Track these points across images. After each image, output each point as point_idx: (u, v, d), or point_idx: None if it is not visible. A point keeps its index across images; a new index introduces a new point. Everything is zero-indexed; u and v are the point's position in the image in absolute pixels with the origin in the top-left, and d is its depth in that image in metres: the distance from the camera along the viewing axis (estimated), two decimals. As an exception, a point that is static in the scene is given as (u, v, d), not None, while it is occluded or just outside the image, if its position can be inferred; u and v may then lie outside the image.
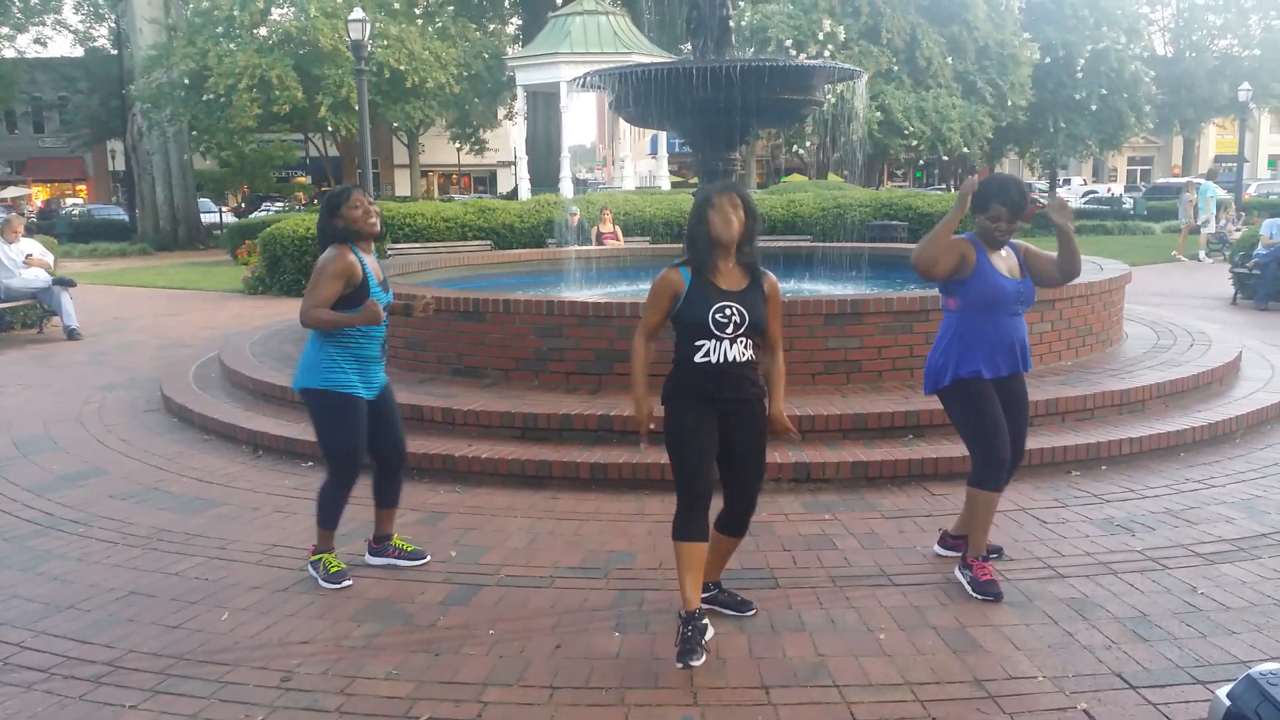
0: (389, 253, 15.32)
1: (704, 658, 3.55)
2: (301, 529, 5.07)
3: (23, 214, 19.78)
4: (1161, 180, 44.67)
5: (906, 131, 28.53)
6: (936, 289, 4.38)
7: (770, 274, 3.75)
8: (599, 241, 15.07)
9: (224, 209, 38.36)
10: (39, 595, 4.32)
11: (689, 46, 9.34)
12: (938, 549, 4.59)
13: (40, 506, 5.56)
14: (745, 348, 3.64)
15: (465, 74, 29.68)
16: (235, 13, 25.47)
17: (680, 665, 3.51)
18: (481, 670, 3.57)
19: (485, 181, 57.22)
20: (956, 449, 5.40)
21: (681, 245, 3.84)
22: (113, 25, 38.15)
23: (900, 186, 42.64)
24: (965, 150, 30.45)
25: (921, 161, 38.37)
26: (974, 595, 4.11)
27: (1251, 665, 2.04)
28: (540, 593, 4.24)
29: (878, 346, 6.74)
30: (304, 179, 43.82)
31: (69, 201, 46.43)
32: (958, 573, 4.29)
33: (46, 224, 33.16)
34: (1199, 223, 21.19)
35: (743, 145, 9.28)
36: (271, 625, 3.98)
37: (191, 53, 25.32)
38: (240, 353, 8.66)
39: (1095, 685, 3.38)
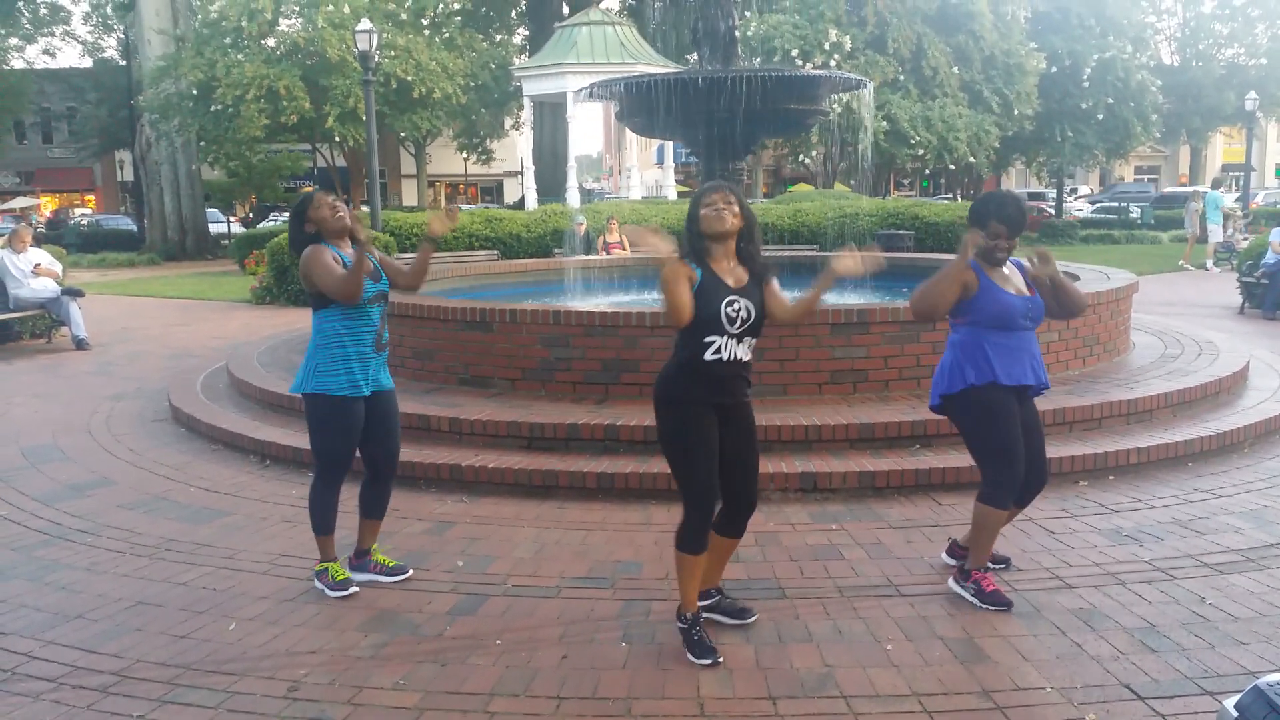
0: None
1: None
2: (309, 539, 5.05)
3: (31, 224, 19.87)
4: (1169, 189, 44.65)
5: (913, 141, 28.52)
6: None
7: (772, 278, 3.76)
8: (606, 251, 15.09)
9: (232, 219, 38.42)
10: (47, 605, 4.33)
11: (695, 57, 9.36)
12: (945, 558, 4.57)
13: (48, 516, 5.57)
14: (749, 348, 3.66)
15: (472, 84, 29.76)
16: (243, 24, 25.58)
17: (709, 661, 3.58)
18: (488, 680, 3.57)
19: (492, 191, 57.33)
20: (964, 459, 5.38)
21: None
22: (121, 36, 38.37)
23: (907, 196, 42.61)
24: (972, 160, 30.42)
25: (928, 171, 38.30)
26: (982, 606, 4.08)
27: (1260, 676, 2.03)
28: (547, 603, 4.24)
29: (884, 356, 6.74)
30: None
31: (77, 212, 46.60)
32: (954, 584, 4.26)
33: (55, 234, 33.24)
34: (1201, 233, 21.20)
35: (749, 155, 9.31)
36: (279, 635, 3.99)
37: (200, 63, 25.43)
38: (248, 362, 8.68)
39: (1103, 696, 3.37)
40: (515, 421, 6.23)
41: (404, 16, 28.90)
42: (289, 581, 4.54)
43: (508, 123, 40.87)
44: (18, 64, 41.58)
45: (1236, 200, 26.96)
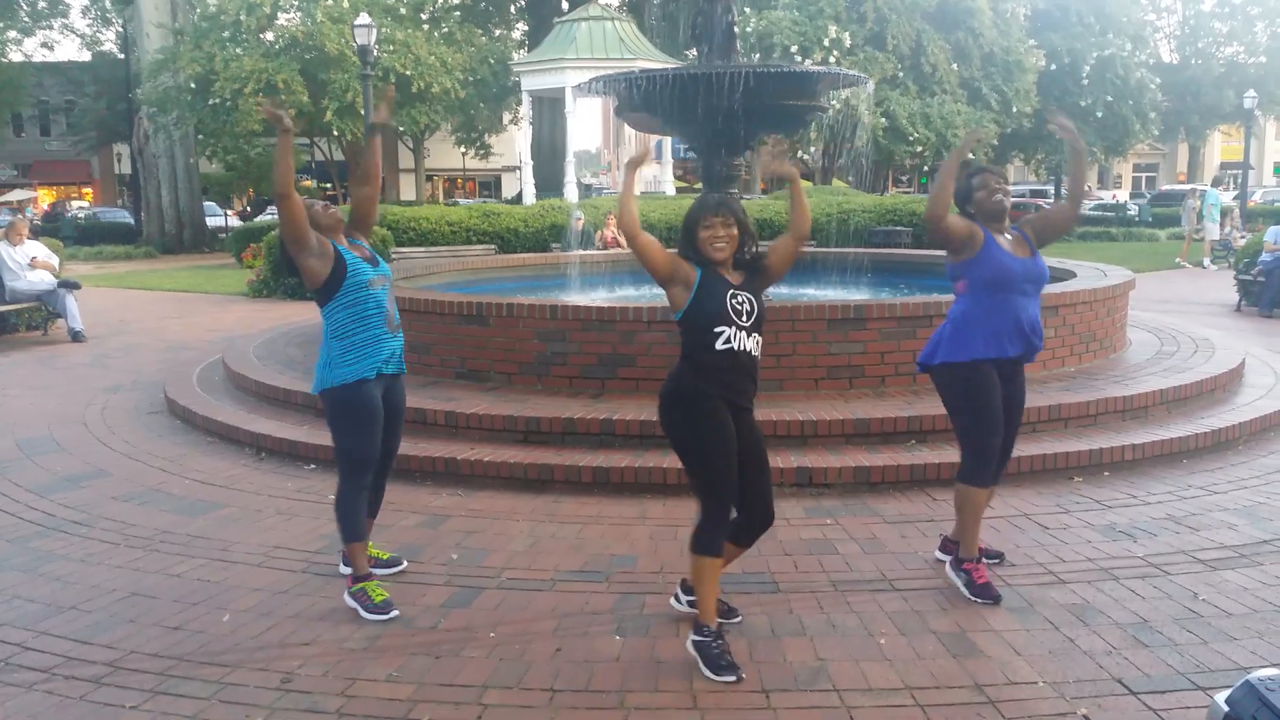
0: (394, 257, 15.35)
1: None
2: (303, 531, 5.08)
3: (27, 217, 19.85)
4: (1166, 187, 44.65)
5: (911, 137, 28.53)
6: (938, 296, 4.37)
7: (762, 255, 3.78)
8: (604, 246, 15.09)
9: (229, 213, 38.41)
10: (40, 596, 4.33)
11: (694, 52, 9.34)
12: (938, 554, 4.58)
13: (43, 508, 5.57)
14: (757, 344, 3.65)
15: (471, 79, 29.72)
16: (242, 17, 25.56)
17: (732, 679, 3.45)
18: (482, 673, 3.57)
19: (490, 186, 57.32)
20: (959, 455, 5.38)
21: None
22: (120, 29, 38.28)
23: (905, 192, 42.66)
24: (970, 156, 30.44)
25: (926, 168, 38.33)
26: (971, 598, 4.11)
27: (1251, 671, 2.04)
28: (541, 596, 4.24)
29: (881, 352, 6.73)
30: (310, 183, 43.90)
31: (75, 204, 46.46)
32: (950, 572, 4.30)
33: (52, 227, 33.18)
34: (1197, 230, 21.24)
35: (747, 151, 9.29)
36: (272, 627, 3.99)
37: (198, 57, 25.41)
38: (244, 355, 8.67)
39: (1096, 691, 3.38)
40: (511, 415, 6.23)
41: (403, 11, 28.90)
42: (283, 574, 4.54)
43: (506, 118, 40.82)
44: (16, 57, 41.44)
45: (1235, 199, 27.01)
